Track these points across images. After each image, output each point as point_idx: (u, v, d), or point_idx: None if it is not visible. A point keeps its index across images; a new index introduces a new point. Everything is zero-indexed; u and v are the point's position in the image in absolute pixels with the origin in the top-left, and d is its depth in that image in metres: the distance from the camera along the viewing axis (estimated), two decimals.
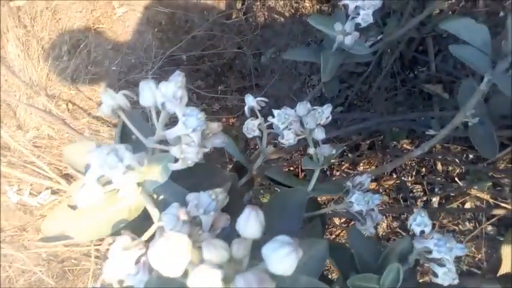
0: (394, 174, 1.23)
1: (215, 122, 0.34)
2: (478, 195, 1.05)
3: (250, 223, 0.25)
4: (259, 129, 0.51)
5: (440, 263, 0.39)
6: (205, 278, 0.22)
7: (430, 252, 0.40)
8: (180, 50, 1.26)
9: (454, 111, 0.73)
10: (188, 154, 0.31)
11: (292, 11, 1.34)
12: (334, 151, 0.50)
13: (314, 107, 0.51)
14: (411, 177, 1.22)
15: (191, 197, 0.30)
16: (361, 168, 1.31)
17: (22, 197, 1.24)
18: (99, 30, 1.26)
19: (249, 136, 0.51)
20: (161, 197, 0.35)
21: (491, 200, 1.03)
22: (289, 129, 0.50)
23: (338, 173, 1.28)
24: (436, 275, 0.40)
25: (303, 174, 1.23)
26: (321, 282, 0.28)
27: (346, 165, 1.28)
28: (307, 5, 1.33)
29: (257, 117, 0.51)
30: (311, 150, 0.51)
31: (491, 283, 0.50)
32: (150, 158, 0.32)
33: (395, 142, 1.26)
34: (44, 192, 1.25)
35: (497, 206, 1.02)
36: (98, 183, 0.29)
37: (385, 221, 1.25)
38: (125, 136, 0.38)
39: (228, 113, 1.32)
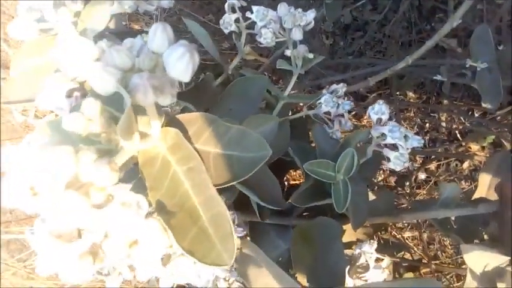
0: None
1: None
2: (477, 153, 1.02)
3: (156, 36, 0.25)
4: (237, 26, 0.50)
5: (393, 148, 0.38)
6: (102, 75, 0.22)
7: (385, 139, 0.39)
8: None
9: (464, 60, 0.71)
10: None
11: None
12: (312, 55, 0.49)
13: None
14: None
15: (127, 40, 0.29)
16: (365, 121, 1.29)
17: (27, 118, 1.25)
18: None
19: (226, 31, 0.50)
20: None
21: None
22: (268, 28, 0.48)
23: None
24: (388, 160, 0.39)
25: None
26: (250, 130, 0.27)
27: (350, 116, 1.25)
28: None
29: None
30: (288, 52, 0.49)
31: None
32: (90, 3, 0.32)
33: (402, 96, 1.22)
34: (49, 115, 1.26)
35: None
36: (32, 19, 0.29)
37: (382, 175, 1.24)
38: None
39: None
